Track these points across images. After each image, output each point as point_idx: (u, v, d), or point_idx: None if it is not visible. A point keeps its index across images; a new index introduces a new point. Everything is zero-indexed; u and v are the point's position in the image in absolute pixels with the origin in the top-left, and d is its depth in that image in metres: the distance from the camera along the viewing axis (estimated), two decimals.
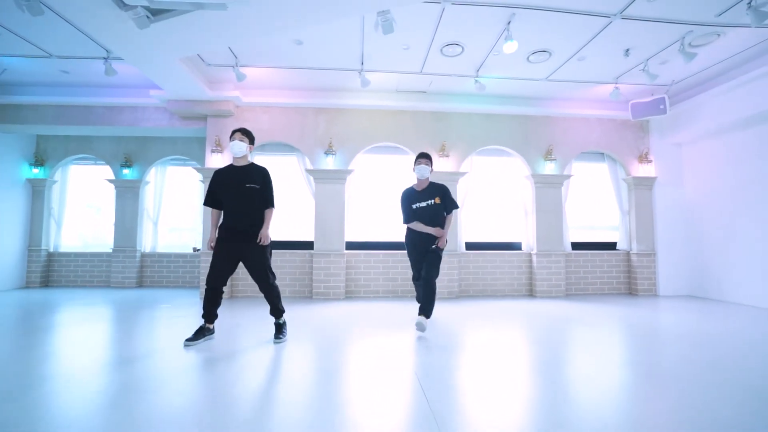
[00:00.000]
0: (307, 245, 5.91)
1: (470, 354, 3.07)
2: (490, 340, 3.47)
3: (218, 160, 5.72)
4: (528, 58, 4.73)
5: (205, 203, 3.32)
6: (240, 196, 3.19)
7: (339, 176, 5.75)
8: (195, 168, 5.79)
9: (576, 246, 6.31)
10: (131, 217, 6.66)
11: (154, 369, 2.63)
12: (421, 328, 3.49)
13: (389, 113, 5.95)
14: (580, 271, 6.17)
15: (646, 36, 4.24)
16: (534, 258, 5.96)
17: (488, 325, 4.04)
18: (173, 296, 5.73)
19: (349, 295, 5.77)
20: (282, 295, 3.45)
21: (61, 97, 5.65)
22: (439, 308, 4.97)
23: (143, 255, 6.77)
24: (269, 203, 3.29)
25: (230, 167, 3.34)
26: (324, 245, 5.70)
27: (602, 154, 6.41)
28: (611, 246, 6.43)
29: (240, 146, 3.25)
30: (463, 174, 5.89)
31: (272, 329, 3.48)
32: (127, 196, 6.66)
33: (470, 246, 6.09)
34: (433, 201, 3.73)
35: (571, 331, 3.86)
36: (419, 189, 3.81)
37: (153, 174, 6.92)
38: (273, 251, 4.31)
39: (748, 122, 5.13)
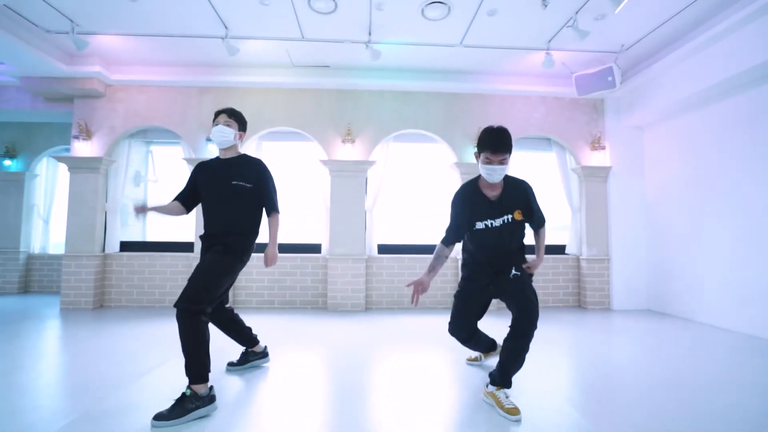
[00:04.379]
0: (190, 247, 5.05)
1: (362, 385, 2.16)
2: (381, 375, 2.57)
3: (85, 149, 4.91)
4: (423, 13, 3.75)
5: (177, 197, 2.44)
6: (222, 195, 2.34)
7: None
8: (55, 158, 4.99)
9: None
10: (15, 214, 5.92)
11: None
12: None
13: (287, 92, 5.03)
14: None
15: None
16: (460, 265, 4.98)
17: (393, 348, 3.26)
18: (46, 304, 4.96)
19: (238, 305, 4.90)
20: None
21: None
22: (343, 325, 4.09)
23: (30, 257, 6.03)
24: (272, 208, 2.45)
25: (216, 159, 2.46)
26: None
27: (549, 139, 5.37)
28: (560, 249, 5.40)
29: (224, 133, 2.33)
30: (371, 163, 4.94)
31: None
32: (10, 190, 5.92)
33: (383, 249, 5.14)
34: (510, 217, 2.20)
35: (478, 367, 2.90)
36: (490, 193, 2.23)
37: (44, 166, 6.17)
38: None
39: (717, 93, 4.05)
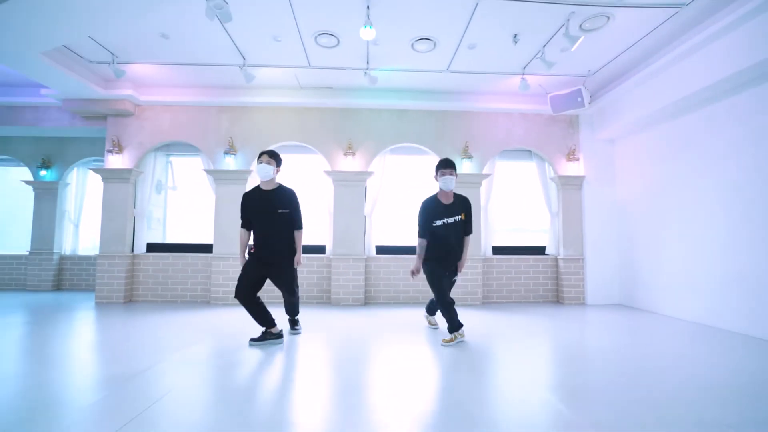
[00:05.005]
0: (209, 248, 5.67)
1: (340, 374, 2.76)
2: (381, 354, 3.20)
3: (117, 162, 5.56)
4: (413, 47, 4.38)
5: (243, 226, 3.42)
6: (272, 222, 3.29)
7: (239, 177, 5.50)
8: (92, 169, 5.65)
9: (502, 250, 5.89)
10: (49, 219, 6.57)
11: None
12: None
13: (295, 110, 5.67)
14: (503, 277, 5.74)
15: (529, 19, 3.84)
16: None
17: (388, 338, 3.72)
18: (81, 299, 5.59)
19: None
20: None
21: None
22: (345, 318, 4.65)
23: (62, 257, 6.67)
24: (298, 225, 3.41)
25: (258, 190, 3.36)
26: (224, 248, 5.46)
27: (530, 151, 5.98)
28: (541, 250, 5.98)
29: (267, 170, 3.26)
30: (370, 174, 5.56)
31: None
32: (46, 197, 6.58)
33: (380, 250, 5.74)
34: (459, 217, 3.43)
35: (464, 347, 3.44)
36: (446, 201, 3.47)
37: (74, 175, 6.83)
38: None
39: (676, 110, 4.58)
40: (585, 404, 2.22)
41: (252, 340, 3.35)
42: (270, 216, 3.29)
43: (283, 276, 3.42)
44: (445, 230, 3.41)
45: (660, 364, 2.97)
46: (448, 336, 3.47)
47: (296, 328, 3.81)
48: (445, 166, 3.44)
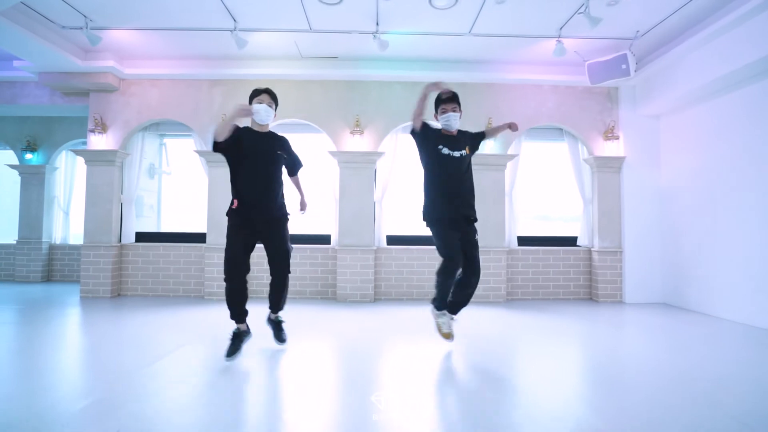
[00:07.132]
0: (202, 238, 5.16)
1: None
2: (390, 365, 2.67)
3: (100, 142, 5.04)
4: (431, 2, 3.70)
5: (216, 148, 2.59)
6: (268, 164, 2.76)
7: None
8: (73, 151, 5.15)
9: (528, 241, 5.26)
10: (37, 205, 6.13)
11: None
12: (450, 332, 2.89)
13: (295, 84, 5.05)
14: (529, 271, 5.12)
15: None
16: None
17: (401, 340, 3.30)
18: (69, 292, 5.16)
19: (250, 294, 5.00)
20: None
21: None
22: (352, 316, 4.15)
23: (52, 247, 6.25)
24: (299, 164, 3.11)
25: (250, 130, 2.78)
26: (218, 238, 4.93)
27: (561, 129, 5.27)
28: (572, 241, 5.33)
29: (268, 113, 2.76)
30: (380, 154, 4.94)
31: None
32: (32, 183, 6.13)
33: (392, 240, 5.16)
34: (464, 152, 2.88)
35: (486, 355, 2.91)
36: (448, 134, 2.92)
37: (63, 159, 6.36)
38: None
39: (739, 80, 3.88)
40: (620, 418, 1.89)
41: (228, 355, 2.66)
42: (268, 155, 2.78)
43: (279, 236, 2.89)
44: (451, 163, 2.82)
45: (720, 378, 2.42)
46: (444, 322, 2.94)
47: (283, 336, 2.97)
48: (449, 100, 2.88)
